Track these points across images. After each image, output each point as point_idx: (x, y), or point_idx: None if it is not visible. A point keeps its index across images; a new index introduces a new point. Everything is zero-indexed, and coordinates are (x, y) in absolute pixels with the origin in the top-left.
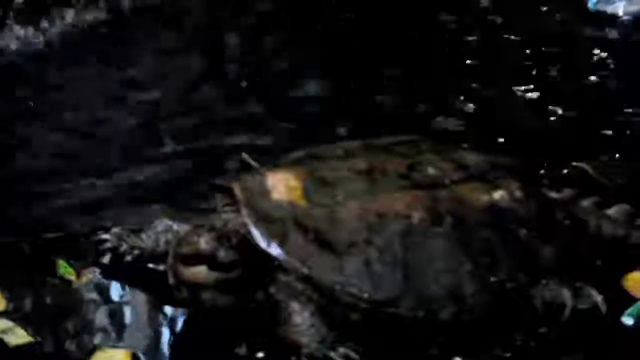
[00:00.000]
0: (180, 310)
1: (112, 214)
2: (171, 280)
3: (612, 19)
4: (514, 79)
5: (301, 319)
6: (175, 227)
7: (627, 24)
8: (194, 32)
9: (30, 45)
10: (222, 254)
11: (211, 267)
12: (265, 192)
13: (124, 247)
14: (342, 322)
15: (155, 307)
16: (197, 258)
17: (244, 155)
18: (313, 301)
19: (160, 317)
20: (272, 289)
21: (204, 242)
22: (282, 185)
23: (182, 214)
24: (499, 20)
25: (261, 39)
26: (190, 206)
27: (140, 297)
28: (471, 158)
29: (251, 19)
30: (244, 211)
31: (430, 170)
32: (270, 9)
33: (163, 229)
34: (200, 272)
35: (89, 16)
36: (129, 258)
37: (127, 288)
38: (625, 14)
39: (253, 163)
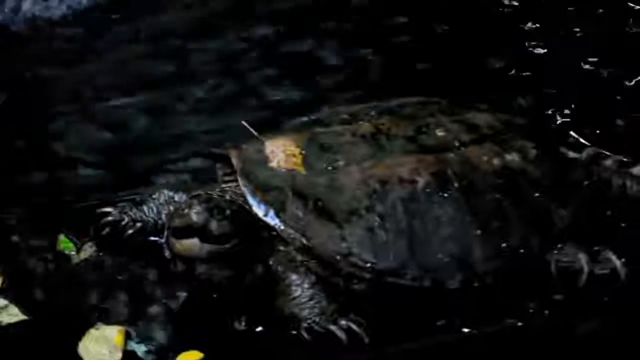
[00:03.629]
0: (176, 285)
1: (113, 187)
2: (167, 253)
3: None
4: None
5: (300, 291)
6: (177, 198)
7: None
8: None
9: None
10: (214, 225)
11: (203, 240)
12: (264, 160)
13: (125, 220)
14: (344, 294)
15: (153, 282)
16: (189, 230)
17: (244, 123)
18: (313, 272)
19: (157, 292)
20: (270, 261)
21: (195, 214)
22: (281, 152)
23: (184, 185)
24: None
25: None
26: (195, 176)
27: (139, 273)
28: (483, 118)
29: None
30: (241, 180)
31: (439, 133)
32: None
33: (165, 200)
34: (192, 244)
35: None
36: (130, 231)
37: (126, 263)
38: None
39: (253, 131)
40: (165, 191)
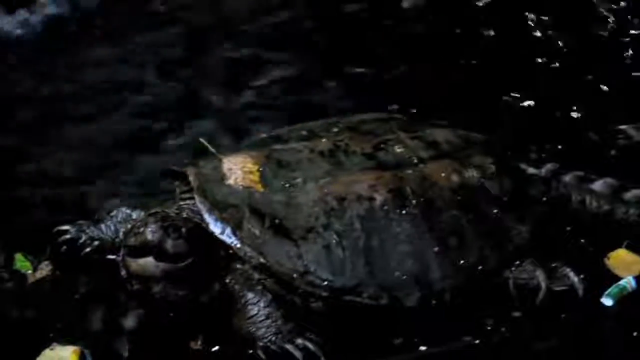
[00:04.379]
0: (132, 304)
1: (71, 205)
2: (122, 272)
3: None
4: (497, 57)
5: (257, 310)
6: (134, 215)
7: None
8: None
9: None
10: (169, 244)
11: (158, 259)
12: (221, 178)
13: (83, 238)
14: (301, 312)
15: (109, 301)
16: (144, 249)
17: (202, 141)
18: (269, 291)
19: (113, 312)
20: (227, 279)
21: (150, 233)
22: (238, 170)
23: (142, 202)
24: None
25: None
26: (153, 194)
27: (95, 292)
28: (443, 135)
29: None
30: (197, 198)
31: (398, 149)
32: None
33: (122, 219)
34: (146, 263)
35: None
36: (88, 249)
37: (82, 282)
38: None
39: (211, 148)
40: (123, 209)
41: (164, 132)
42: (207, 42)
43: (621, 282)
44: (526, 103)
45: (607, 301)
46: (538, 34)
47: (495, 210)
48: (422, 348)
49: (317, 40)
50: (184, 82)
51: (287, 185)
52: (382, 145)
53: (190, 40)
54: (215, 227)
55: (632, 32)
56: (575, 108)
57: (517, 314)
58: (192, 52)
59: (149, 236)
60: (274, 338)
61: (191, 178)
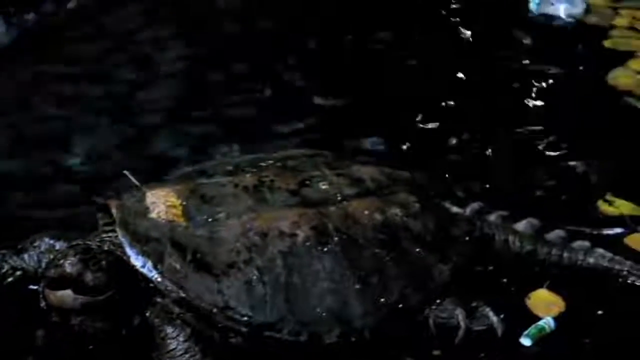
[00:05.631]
0: (53, 336)
1: None
2: (43, 304)
3: (554, 22)
4: (430, 86)
5: (176, 344)
6: (57, 246)
7: (567, 26)
8: None
9: None
10: (88, 276)
11: (77, 291)
12: (144, 211)
13: (5, 268)
14: (221, 347)
15: (30, 333)
16: (63, 281)
17: (126, 173)
18: (189, 325)
19: (33, 343)
20: (147, 313)
21: (69, 265)
22: (161, 203)
23: (65, 233)
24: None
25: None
26: (77, 225)
27: (16, 323)
28: (368, 172)
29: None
30: (119, 231)
31: (322, 186)
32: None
33: (45, 249)
34: (65, 296)
35: None
36: (10, 279)
37: (3, 313)
38: (566, 16)
39: (135, 181)
40: (46, 239)
41: (87, 163)
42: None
43: (540, 322)
44: (452, 141)
45: (526, 341)
46: (461, 75)
47: (417, 249)
48: None
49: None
50: (113, 115)
51: (209, 219)
52: (306, 182)
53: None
54: (136, 261)
55: (555, 70)
56: (501, 148)
57: (436, 352)
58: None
59: (68, 268)
60: None
61: (114, 211)
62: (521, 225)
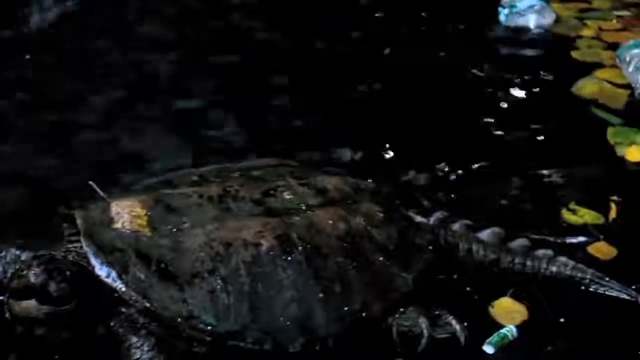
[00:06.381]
0: (17, 347)
1: None
2: (7, 315)
3: (523, 32)
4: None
5: (140, 354)
6: (23, 257)
7: (536, 37)
8: None
9: None
10: (53, 287)
11: (41, 301)
12: (108, 222)
13: None
14: (185, 357)
15: None
16: (27, 292)
17: (91, 184)
18: (153, 335)
19: None
20: (111, 323)
21: (33, 275)
22: (126, 214)
23: (32, 244)
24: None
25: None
26: (43, 235)
27: None
28: (332, 182)
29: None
30: (84, 241)
31: (287, 196)
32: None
33: (11, 259)
34: (29, 306)
35: None
36: None
37: None
38: (535, 27)
39: (100, 191)
40: (12, 249)
41: (52, 172)
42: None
43: (503, 330)
44: (417, 151)
45: (489, 349)
46: (428, 85)
47: (381, 258)
48: None
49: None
50: (79, 125)
51: (174, 230)
52: (271, 192)
53: None
54: (101, 271)
55: (522, 80)
56: (466, 157)
57: None
58: None
59: (32, 279)
60: None
61: (79, 221)
62: (485, 234)
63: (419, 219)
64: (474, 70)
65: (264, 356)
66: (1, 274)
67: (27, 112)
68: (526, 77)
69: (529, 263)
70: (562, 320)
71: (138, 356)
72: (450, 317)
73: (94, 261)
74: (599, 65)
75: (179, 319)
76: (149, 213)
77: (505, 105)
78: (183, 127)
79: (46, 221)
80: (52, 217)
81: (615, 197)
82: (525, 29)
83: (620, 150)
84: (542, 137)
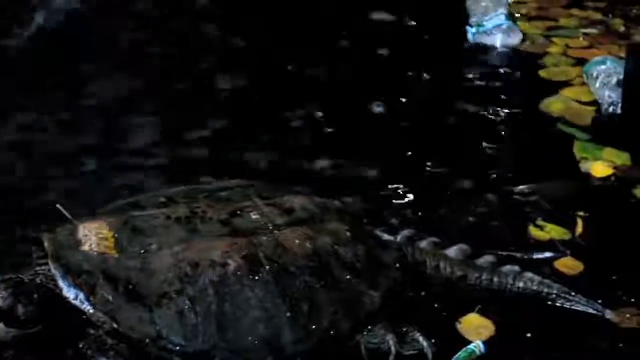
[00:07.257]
0: None
1: None
2: None
3: (491, 51)
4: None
5: None
6: None
7: (503, 56)
8: None
9: None
10: (20, 310)
11: (9, 324)
12: (75, 244)
13: None
14: None
15: None
16: None
17: (59, 206)
18: (122, 356)
19: None
20: (80, 345)
21: (0, 299)
22: (93, 236)
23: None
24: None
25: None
26: (9, 259)
27: None
28: (299, 202)
29: None
30: (52, 264)
31: (254, 216)
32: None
33: None
34: None
35: None
36: None
37: None
38: (502, 46)
39: (67, 214)
40: None
41: (18, 194)
42: None
43: (470, 345)
44: (385, 169)
45: None
46: (394, 103)
47: (348, 276)
48: None
49: None
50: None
51: (141, 251)
52: (238, 212)
53: None
54: (68, 293)
55: (489, 98)
56: (432, 175)
57: None
58: None
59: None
60: None
61: (46, 244)
62: (452, 251)
63: (386, 237)
64: (441, 89)
65: None
66: None
67: None
68: (493, 95)
69: (495, 279)
70: (528, 335)
71: None
72: (418, 334)
73: (62, 283)
74: (566, 84)
75: (148, 340)
76: (116, 235)
77: (472, 122)
78: (149, 150)
79: (13, 244)
80: (20, 239)
81: (581, 213)
82: (492, 48)
83: (585, 166)
84: (509, 154)
